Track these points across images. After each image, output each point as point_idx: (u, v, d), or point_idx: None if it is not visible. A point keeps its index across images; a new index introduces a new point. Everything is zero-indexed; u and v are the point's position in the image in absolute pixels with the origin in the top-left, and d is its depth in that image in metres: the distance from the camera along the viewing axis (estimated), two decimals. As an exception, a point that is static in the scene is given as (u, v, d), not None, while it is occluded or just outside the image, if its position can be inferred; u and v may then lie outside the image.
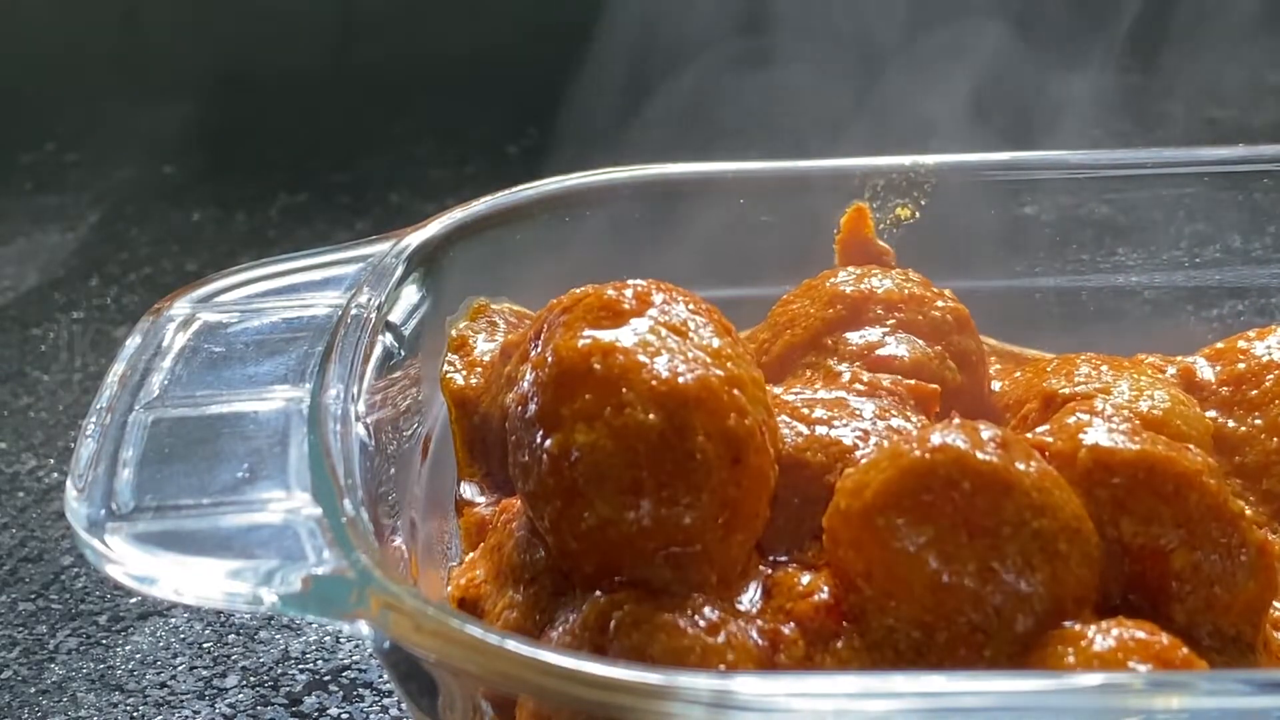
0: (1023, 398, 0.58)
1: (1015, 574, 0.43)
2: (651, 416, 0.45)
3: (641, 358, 0.46)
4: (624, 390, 0.45)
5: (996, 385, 0.61)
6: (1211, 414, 0.58)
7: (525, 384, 0.48)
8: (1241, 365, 0.59)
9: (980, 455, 0.44)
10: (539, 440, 0.46)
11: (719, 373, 0.47)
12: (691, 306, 0.50)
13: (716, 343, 0.48)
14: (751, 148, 0.76)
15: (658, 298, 0.50)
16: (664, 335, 0.48)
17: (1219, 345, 0.61)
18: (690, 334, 0.48)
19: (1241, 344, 0.60)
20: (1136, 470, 0.47)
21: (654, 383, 0.45)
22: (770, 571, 0.48)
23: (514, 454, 0.48)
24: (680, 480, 0.45)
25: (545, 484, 0.46)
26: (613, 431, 0.45)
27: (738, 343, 0.50)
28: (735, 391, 0.47)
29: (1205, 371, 0.60)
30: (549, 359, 0.47)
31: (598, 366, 0.46)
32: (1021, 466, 0.45)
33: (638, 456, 0.45)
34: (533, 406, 0.47)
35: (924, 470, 0.44)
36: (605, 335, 0.47)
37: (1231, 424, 0.58)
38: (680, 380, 0.46)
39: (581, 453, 0.45)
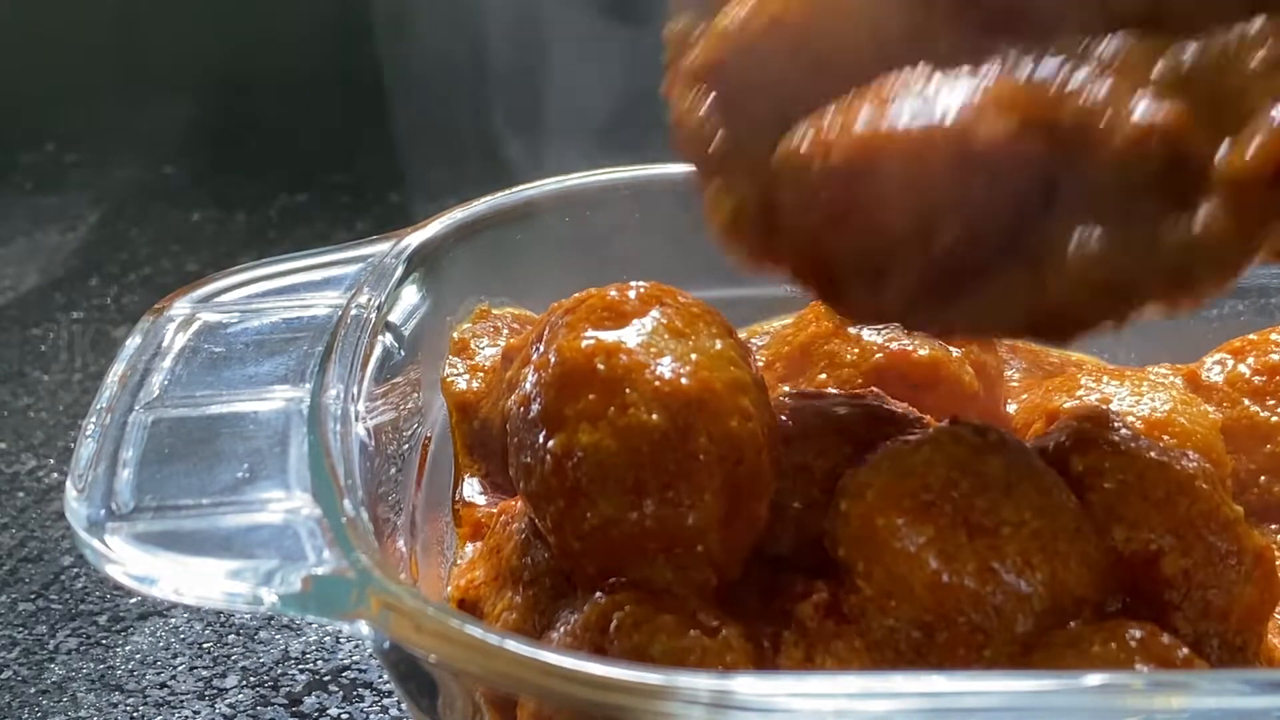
0: (1028, 419, 0.58)
1: (1015, 574, 0.43)
2: (655, 417, 0.45)
3: (644, 358, 0.46)
4: (627, 390, 0.45)
5: (1011, 407, 0.61)
6: (1245, 403, 0.58)
7: (528, 385, 0.48)
8: (1275, 356, 0.60)
9: (980, 456, 0.44)
10: (542, 440, 0.46)
11: (722, 375, 0.47)
12: (695, 309, 0.50)
13: (719, 345, 0.48)
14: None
15: (661, 299, 0.50)
16: (667, 337, 0.48)
17: (1252, 337, 0.62)
18: (693, 336, 0.48)
19: (1275, 336, 0.61)
20: (1127, 476, 0.47)
21: (657, 383, 0.46)
22: (771, 573, 0.48)
23: (516, 455, 0.48)
24: (683, 481, 0.45)
25: (548, 484, 0.46)
26: (616, 431, 0.45)
27: (740, 345, 0.50)
28: (738, 393, 0.47)
29: (1215, 373, 0.60)
30: (552, 359, 0.47)
31: (601, 367, 0.46)
32: (1026, 462, 0.45)
33: (641, 457, 0.45)
34: (535, 407, 0.47)
35: (924, 471, 0.44)
36: (609, 336, 0.47)
37: (1263, 413, 0.58)
38: (683, 381, 0.46)
39: (585, 453, 0.45)
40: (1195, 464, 0.48)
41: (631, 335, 0.47)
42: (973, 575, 0.43)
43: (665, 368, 0.46)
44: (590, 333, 0.48)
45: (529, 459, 0.47)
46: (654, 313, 0.49)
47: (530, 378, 0.48)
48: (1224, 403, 0.59)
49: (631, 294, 0.50)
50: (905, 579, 0.44)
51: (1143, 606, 0.46)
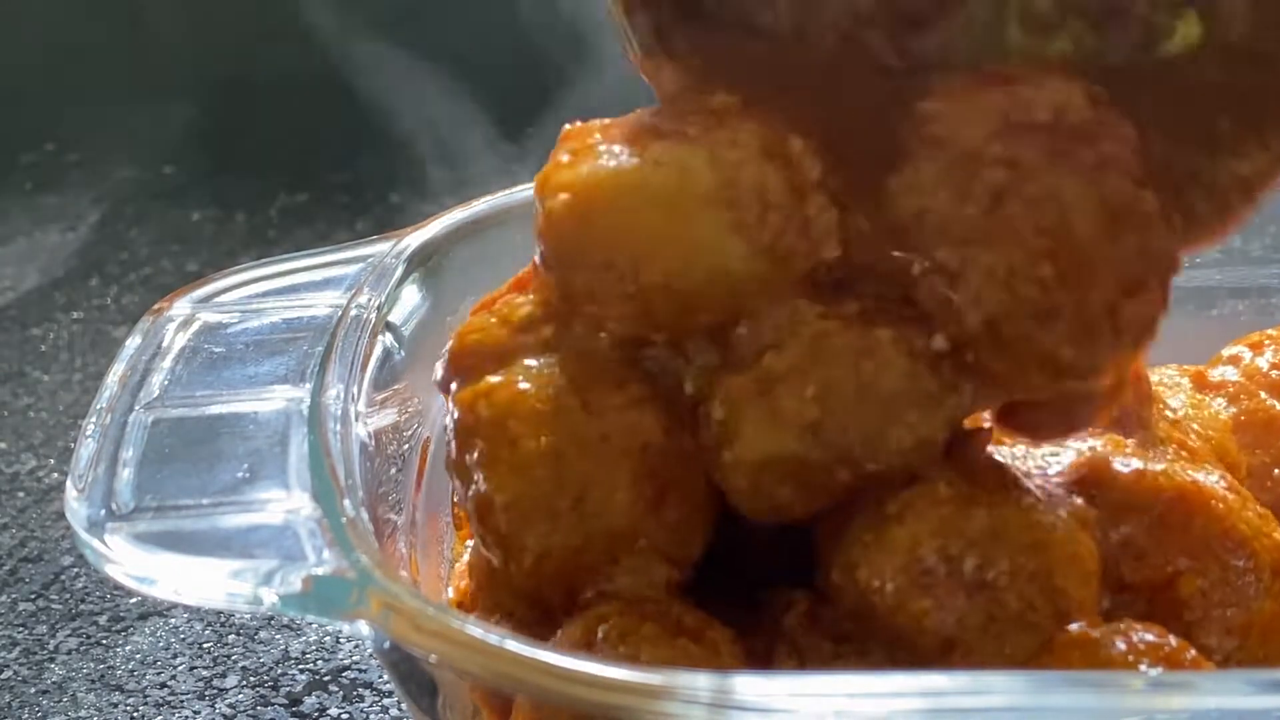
0: None
1: (1017, 616, 0.43)
2: (542, 440, 0.45)
3: (523, 385, 0.46)
4: (510, 424, 0.45)
5: None
6: (1261, 396, 0.58)
7: (444, 427, 0.48)
8: None
9: (963, 510, 0.44)
10: (462, 491, 0.47)
11: (590, 375, 0.47)
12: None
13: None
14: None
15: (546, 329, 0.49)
16: (533, 362, 0.47)
17: (1270, 331, 0.61)
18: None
19: None
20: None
21: (535, 404, 0.46)
22: (749, 589, 0.48)
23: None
24: (591, 489, 0.45)
25: (481, 535, 0.46)
26: (513, 469, 0.45)
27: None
28: (613, 390, 0.46)
29: (1229, 370, 0.60)
30: (450, 407, 0.47)
31: (484, 412, 0.46)
32: (1004, 502, 0.44)
33: (543, 484, 0.45)
34: (449, 455, 0.47)
35: (911, 545, 0.44)
36: (487, 379, 0.47)
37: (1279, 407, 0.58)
38: (561, 396, 0.46)
39: (494, 498, 0.45)
40: (1206, 481, 0.48)
41: (504, 371, 0.47)
42: (976, 630, 0.43)
43: (539, 389, 0.46)
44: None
45: (460, 507, 0.47)
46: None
47: (445, 420, 0.48)
48: (1240, 395, 0.58)
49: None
50: (910, 641, 0.44)
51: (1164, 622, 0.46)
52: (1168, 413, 0.54)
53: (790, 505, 0.45)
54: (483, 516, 0.46)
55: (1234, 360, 0.60)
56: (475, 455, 0.46)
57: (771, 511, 0.45)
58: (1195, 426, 0.55)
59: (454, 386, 0.48)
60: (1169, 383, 0.59)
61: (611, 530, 0.45)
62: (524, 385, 0.46)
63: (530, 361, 0.47)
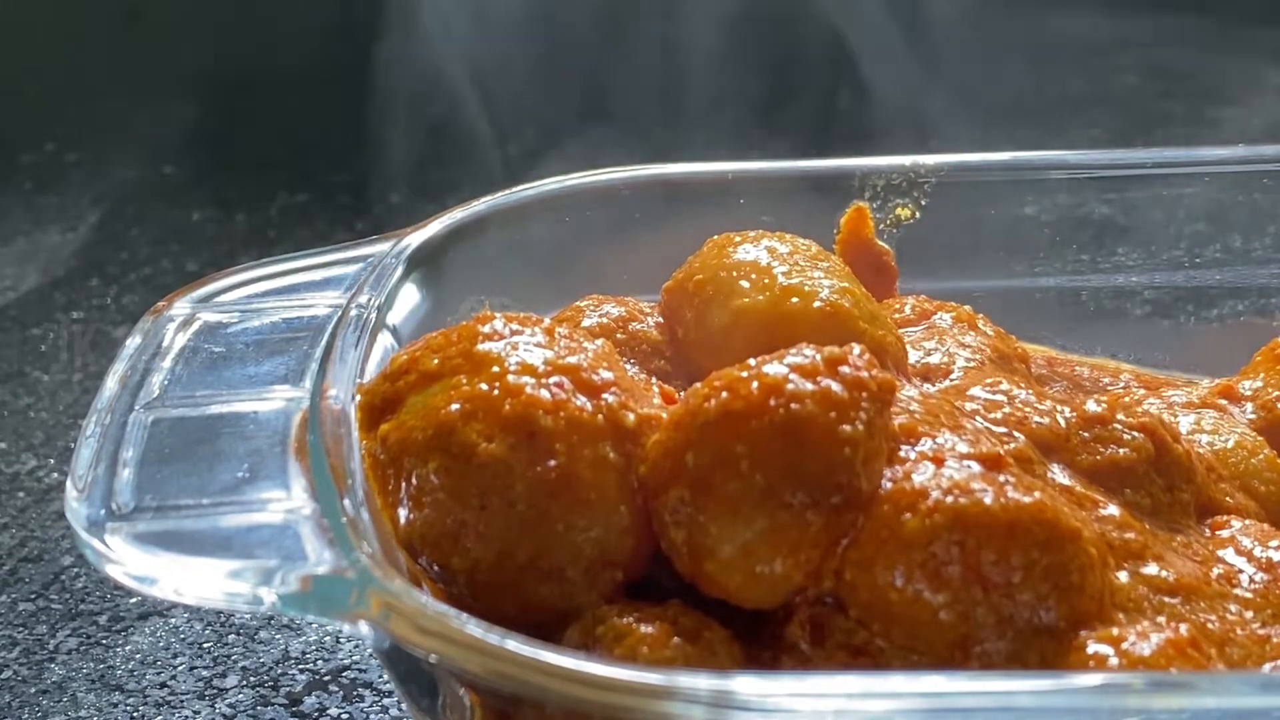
0: None
1: (1032, 613, 0.43)
2: (434, 465, 0.46)
3: (407, 420, 0.48)
4: (406, 460, 0.47)
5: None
6: None
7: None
8: None
9: (977, 500, 0.44)
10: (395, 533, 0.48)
11: (456, 407, 0.47)
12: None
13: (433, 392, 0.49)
14: (752, 149, 0.76)
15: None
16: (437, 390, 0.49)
17: None
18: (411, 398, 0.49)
19: None
20: None
21: (429, 430, 0.47)
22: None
23: None
24: (479, 523, 0.46)
25: (424, 569, 0.47)
26: (417, 500, 0.46)
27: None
28: (470, 420, 0.47)
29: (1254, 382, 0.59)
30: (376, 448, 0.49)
31: (382, 455, 0.48)
32: (1019, 498, 0.44)
33: (449, 504, 0.46)
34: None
35: (928, 540, 0.44)
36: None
37: None
38: (445, 411, 0.47)
39: (414, 531, 0.46)
40: None
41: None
42: (992, 628, 0.43)
43: (452, 401, 0.47)
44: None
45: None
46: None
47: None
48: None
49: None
50: (928, 639, 0.44)
51: None
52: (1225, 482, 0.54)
53: (789, 575, 0.45)
54: (413, 554, 0.47)
55: (1237, 385, 0.59)
56: (390, 489, 0.47)
57: (776, 592, 0.45)
58: (1256, 483, 0.55)
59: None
60: (1206, 408, 0.58)
61: (524, 523, 0.45)
62: (409, 420, 0.47)
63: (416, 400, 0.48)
